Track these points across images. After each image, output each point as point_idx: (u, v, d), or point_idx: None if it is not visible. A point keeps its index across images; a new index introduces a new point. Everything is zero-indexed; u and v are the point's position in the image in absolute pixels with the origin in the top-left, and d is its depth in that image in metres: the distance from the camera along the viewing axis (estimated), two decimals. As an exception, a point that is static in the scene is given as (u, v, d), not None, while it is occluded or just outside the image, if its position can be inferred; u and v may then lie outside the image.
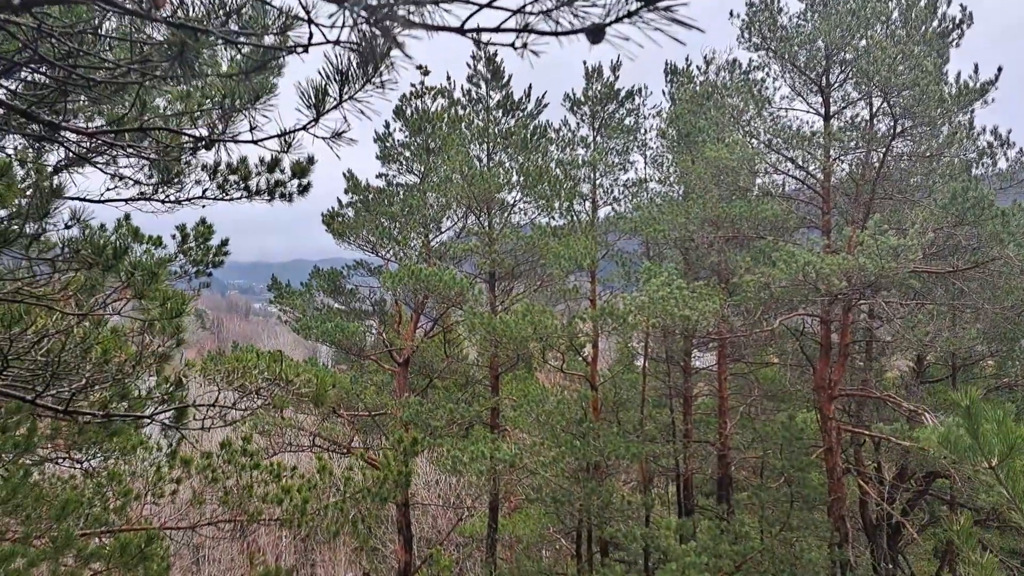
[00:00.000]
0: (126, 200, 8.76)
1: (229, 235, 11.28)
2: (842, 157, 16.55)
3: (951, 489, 18.62)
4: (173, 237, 10.72)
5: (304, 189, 9.06)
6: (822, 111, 16.54)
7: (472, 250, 17.10)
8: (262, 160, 8.84)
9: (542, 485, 15.44)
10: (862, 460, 20.36)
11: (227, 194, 8.72)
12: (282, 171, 8.90)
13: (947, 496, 20.05)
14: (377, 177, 19.32)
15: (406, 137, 19.02)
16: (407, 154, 19.01)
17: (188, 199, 8.72)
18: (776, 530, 14.99)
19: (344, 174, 18.75)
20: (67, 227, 3.63)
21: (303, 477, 9.11)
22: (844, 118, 16.69)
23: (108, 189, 8.78)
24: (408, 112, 18.79)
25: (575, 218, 17.91)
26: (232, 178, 8.65)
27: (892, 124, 15.16)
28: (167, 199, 8.69)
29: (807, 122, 18.96)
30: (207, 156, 7.35)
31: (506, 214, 17.45)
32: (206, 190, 8.70)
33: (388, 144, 19.19)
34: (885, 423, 19.43)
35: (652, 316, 13.57)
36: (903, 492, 19.04)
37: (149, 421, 5.50)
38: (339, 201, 19.17)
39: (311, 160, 9.00)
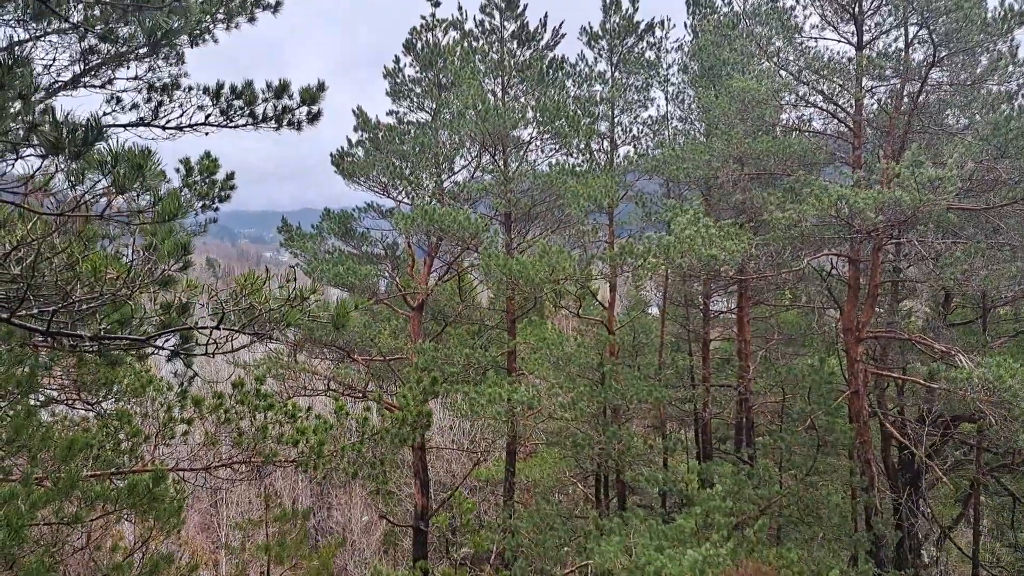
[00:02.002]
0: (124, 126, 8.27)
1: (237, 184, 10.77)
2: (875, 88, 15.78)
3: (977, 432, 18.25)
4: (177, 171, 10.23)
5: (314, 117, 8.53)
6: (854, 40, 15.71)
7: (487, 190, 16.52)
8: (269, 85, 8.30)
9: (561, 429, 15.14)
10: (885, 403, 19.99)
11: (231, 120, 8.19)
12: (290, 96, 8.36)
13: (971, 441, 19.70)
14: (388, 115, 18.69)
15: (417, 72, 18.31)
16: (418, 90, 18.32)
17: (191, 125, 8.22)
18: (802, 474, 14.68)
19: (354, 111, 18.11)
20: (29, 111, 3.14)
21: (319, 418, 8.77)
22: (876, 47, 15.87)
23: (105, 114, 8.28)
24: (419, 46, 18.05)
25: (593, 156, 17.26)
26: (236, 103, 8.12)
27: (930, 52, 14.33)
28: (168, 124, 8.19)
29: (838, 52, 18.09)
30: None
31: (522, 152, 16.83)
32: (209, 115, 8.18)
33: (398, 80, 18.49)
34: (911, 366, 19.08)
35: (677, 255, 13.04)
36: (927, 436, 18.70)
37: (150, 350, 5.09)
38: (348, 140, 18.57)
39: (321, 86, 8.44)
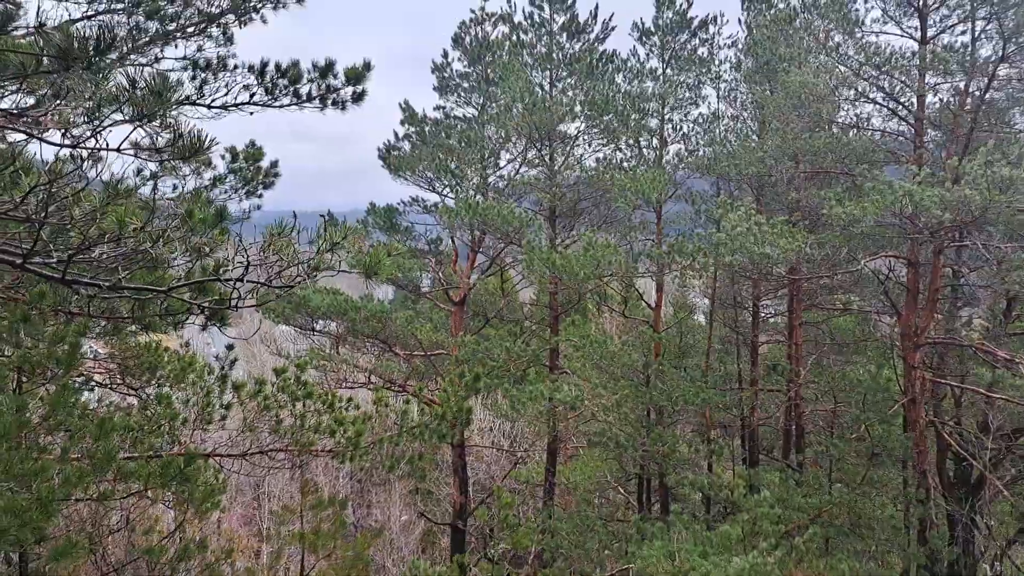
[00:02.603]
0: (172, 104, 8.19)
1: (287, 187, 10.71)
2: (938, 86, 15.15)
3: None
4: (223, 158, 10.20)
5: (359, 97, 8.34)
6: (917, 35, 15.10)
7: (531, 184, 16.25)
8: (314, 64, 8.15)
9: (605, 430, 14.79)
10: (940, 414, 19.22)
11: (276, 99, 8.05)
12: (335, 76, 8.21)
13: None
14: (435, 110, 18.55)
15: (465, 67, 18.15)
16: (465, 85, 18.15)
17: (236, 104, 8.11)
18: (856, 483, 14.12)
19: (400, 104, 18.01)
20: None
21: (358, 408, 8.60)
22: (940, 43, 15.24)
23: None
24: (467, 40, 17.88)
25: (642, 153, 16.88)
26: (281, 82, 7.99)
27: (999, 47, 13.68)
28: (213, 103, 8.09)
29: (900, 47, 17.44)
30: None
31: (568, 147, 16.53)
32: (253, 95, 8.06)
33: (446, 75, 18.35)
34: (972, 374, 18.26)
35: (728, 253, 12.62)
36: (988, 449, 17.92)
37: (185, 318, 4.95)
38: (395, 134, 18.50)
39: (368, 65, 8.25)
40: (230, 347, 8.54)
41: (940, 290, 15.46)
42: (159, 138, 3.50)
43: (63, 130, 3.36)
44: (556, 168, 15.83)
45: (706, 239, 13.37)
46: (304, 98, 7.89)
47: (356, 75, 7.96)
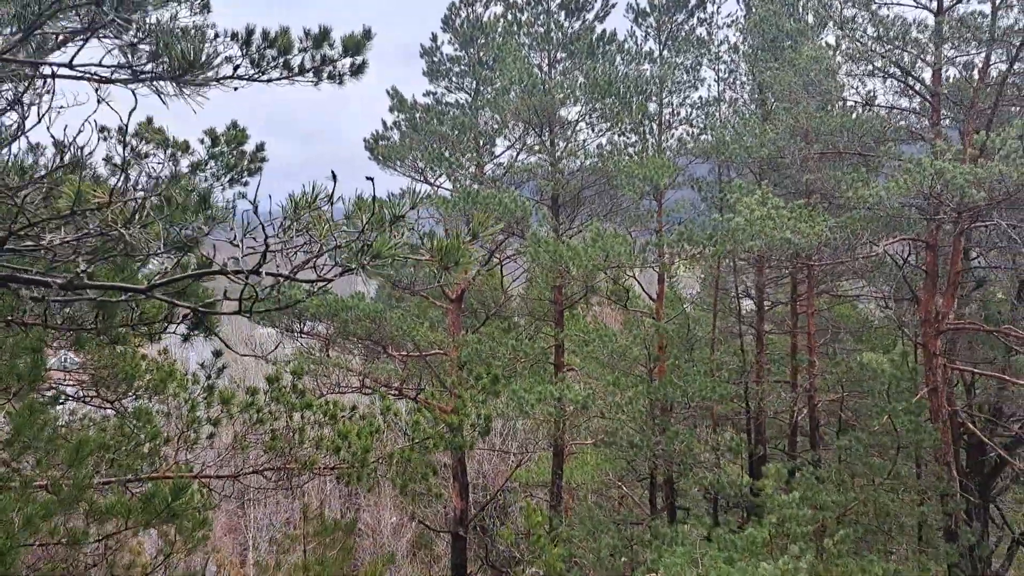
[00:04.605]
0: (142, 80, 7.23)
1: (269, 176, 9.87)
2: (956, 59, 14.45)
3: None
4: (201, 142, 9.23)
5: (358, 69, 7.36)
6: (933, 5, 14.37)
7: (532, 171, 15.37)
8: (307, 32, 7.21)
9: (617, 428, 13.97)
10: (953, 402, 18.61)
11: (263, 72, 7.07)
12: (331, 45, 7.29)
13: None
14: (424, 95, 17.61)
15: (456, 50, 17.21)
16: (457, 69, 17.23)
17: (217, 79, 7.18)
18: (882, 477, 13.41)
19: (388, 91, 17.06)
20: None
21: (363, 418, 7.69)
22: (956, 13, 14.52)
23: (121, 67, 7.25)
24: (458, 22, 16.95)
25: (646, 136, 16.04)
26: (269, 52, 7.07)
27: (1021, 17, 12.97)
28: (192, 80, 7.14)
29: (914, 20, 16.74)
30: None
31: (570, 132, 15.66)
32: (238, 67, 7.13)
33: (436, 59, 17.41)
34: (986, 361, 17.66)
35: (747, 239, 11.83)
36: (1000, 436, 17.36)
37: (165, 326, 4.05)
38: (383, 123, 17.54)
39: (368, 34, 7.26)
40: (217, 353, 7.61)
41: (961, 273, 14.79)
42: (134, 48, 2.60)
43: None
44: (558, 154, 14.95)
45: (721, 225, 12.55)
46: (296, 70, 6.93)
47: (355, 44, 7.02)
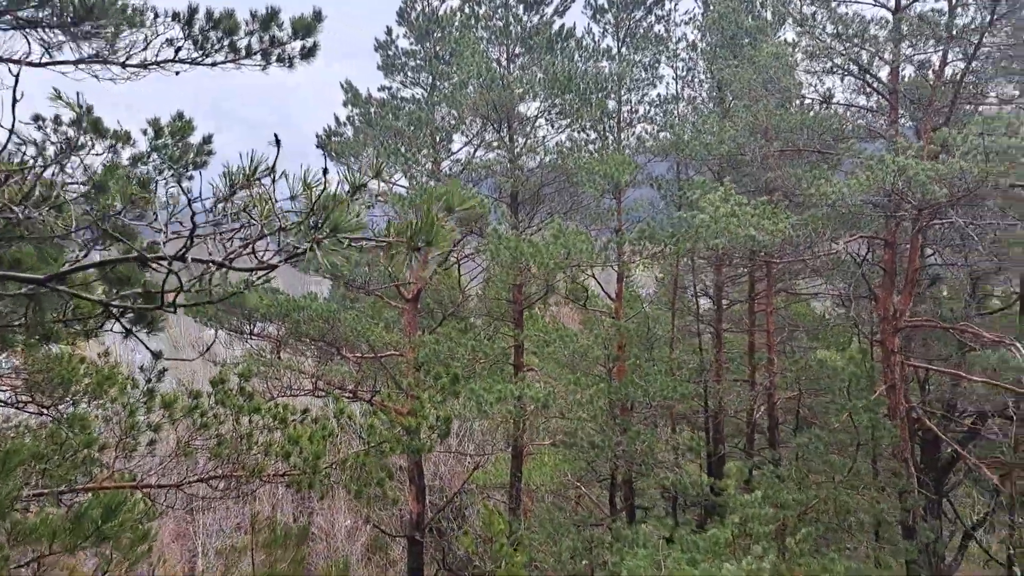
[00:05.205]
0: (75, 63, 6.74)
1: (215, 171, 9.22)
2: (913, 57, 14.53)
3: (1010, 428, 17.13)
4: (144, 132, 8.70)
5: (308, 52, 7.00)
6: (891, 3, 14.43)
7: (491, 168, 15.05)
8: (254, 14, 6.80)
9: (577, 428, 13.74)
10: (909, 399, 18.82)
11: (207, 55, 6.68)
12: (280, 27, 6.88)
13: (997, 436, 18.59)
14: (379, 90, 17.16)
15: (411, 44, 16.81)
16: (412, 64, 16.82)
17: (157, 62, 6.72)
18: (841, 475, 13.41)
19: (342, 84, 16.56)
20: None
21: (315, 422, 7.29)
22: (914, 11, 14.61)
23: (49, 47, 6.74)
24: (413, 16, 16.55)
25: (605, 132, 15.85)
26: (214, 34, 6.64)
27: (988, 7, 12.99)
28: (129, 61, 6.67)
29: (871, 17, 16.83)
30: None
31: (529, 129, 15.38)
32: (179, 49, 6.69)
33: (391, 53, 16.98)
34: (940, 358, 17.87)
35: (711, 237, 11.67)
36: (954, 432, 17.59)
37: (101, 323, 3.62)
38: (336, 118, 17.04)
39: (318, 15, 6.91)
40: (158, 355, 7.10)
41: (918, 271, 14.88)
42: None
43: None
44: (517, 151, 14.66)
45: (685, 222, 12.38)
46: (243, 53, 6.55)
47: (305, 26, 6.65)
